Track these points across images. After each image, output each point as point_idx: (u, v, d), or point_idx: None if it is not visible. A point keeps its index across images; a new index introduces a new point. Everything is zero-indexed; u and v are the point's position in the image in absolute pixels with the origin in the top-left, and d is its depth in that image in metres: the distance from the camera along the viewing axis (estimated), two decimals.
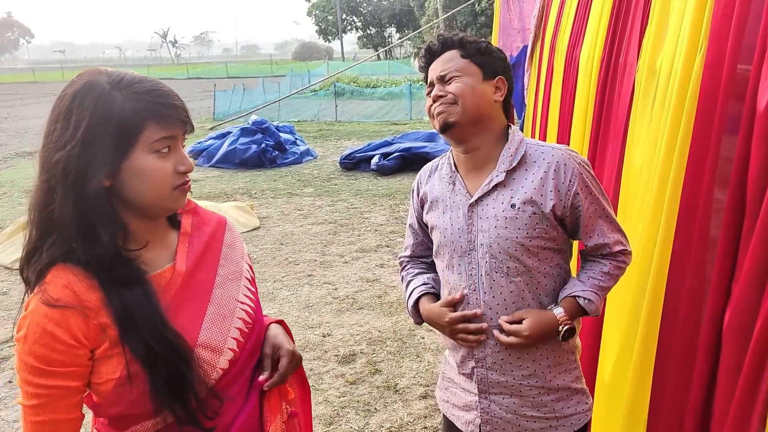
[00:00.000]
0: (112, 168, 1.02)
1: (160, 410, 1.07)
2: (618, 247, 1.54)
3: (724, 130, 1.36)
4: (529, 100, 5.81)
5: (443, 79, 1.52)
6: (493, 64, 1.53)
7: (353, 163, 9.00)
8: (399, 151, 8.62)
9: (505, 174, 1.48)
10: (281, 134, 10.17)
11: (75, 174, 1.00)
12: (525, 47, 8.84)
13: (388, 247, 5.60)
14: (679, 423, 1.47)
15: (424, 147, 8.57)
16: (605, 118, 2.42)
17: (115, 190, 1.05)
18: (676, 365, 1.49)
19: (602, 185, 1.59)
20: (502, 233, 1.48)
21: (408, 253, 1.77)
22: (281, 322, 1.36)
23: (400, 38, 48.34)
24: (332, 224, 6.42)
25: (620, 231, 1.56)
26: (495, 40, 9.37)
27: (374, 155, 8.78)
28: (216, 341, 1.14)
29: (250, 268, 1.30)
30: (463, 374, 1.60)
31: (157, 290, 1.09)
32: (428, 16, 40.48)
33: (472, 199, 1.51)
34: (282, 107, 16.86)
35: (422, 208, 1.65)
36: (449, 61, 1.53)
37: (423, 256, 1.75)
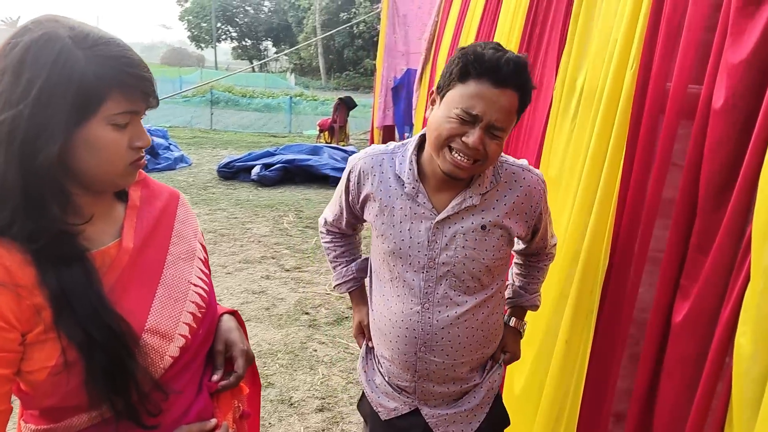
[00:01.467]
0: (66, 136, 0.88)
1: (97, 403, 0.93)
2: (552, 242, 1.62)
3: (656, 139, 1.45)
4: (417, 120, 5.95)
5: (491, 129, 1.30)
6: None
7: (232, 173, 8.70)
8: (282, 163, 8.45)
9: (479, 197, 1.43)
10: (154, 138, 9.59)
11: (23, 139, 0.86)
12: (409, 70, 9.13)
13: (273, 258, 5.44)
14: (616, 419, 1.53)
15: (308, 160, 8.48)
16: (526, 131, 2.50)
17: (61, 159, 0.90)
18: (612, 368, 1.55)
19: None
20: (470, 254, 1.43)
21: (331, 220, 1.70)
22: (235, 313, 1.24)
23: (276, 53, 47.94)
24: (212, 234, 6.13)
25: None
26: (380, 62, 9.57)
27: (255, 165, 8.55)
28: (166, 326, 1.02)
29: (203, 248, 1.18)
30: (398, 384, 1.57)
31: (100, 269, 0.95)
32: (306, 33, 40.55)
33: (440, 217, 1.43)
34: (152, 111, 15.93)
35: (359, 200, 1.55)
36: (510, 111, 1.30)
37: (346, 231, 1.72)
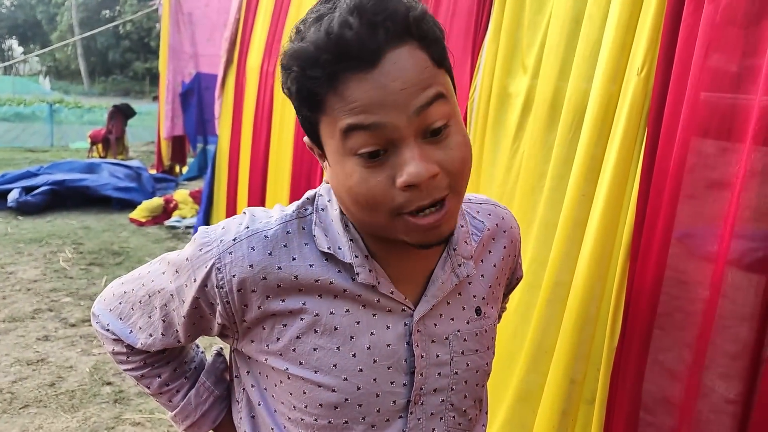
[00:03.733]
0: None
1: None
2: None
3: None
4: (222, 132, 5.19)
5: (423, 127, 0.71)
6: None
7: None
8: (48, 185, 6.98)
9: (471, 261, 0.89)
10: None
11: None
12: (199, 74, 8.23)
13: (51, 311, 4.28)
14: None
15: (83, 180, 7.12)
16: None
17: None
18: None
19: None
20: (473, 363, 0.89)
21: (147, 344, 0.94)
22: None
23: (24, 53, 42.15)
24: None
25: None
26: (163, 64, 8.52)
27: (12, 189, 6.97)
28: None
29: None
30: None
31: None
32: (61, 31, 36.08)
33: (421, 311, 0.85)
34: None
35: (239, 325, 0.85)
36: (426, 79, 0.70)
37: (175, 347, 0.98)
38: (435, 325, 0.86)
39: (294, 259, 0.82)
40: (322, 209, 0.85)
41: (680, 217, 1.14)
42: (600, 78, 1.31)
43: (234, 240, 0.82)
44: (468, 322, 0.89)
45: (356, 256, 0.82)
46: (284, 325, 0.83)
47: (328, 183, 0.82)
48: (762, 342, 1.08)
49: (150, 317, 0.93)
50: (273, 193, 3.77)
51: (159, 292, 0.90)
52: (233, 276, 0.81)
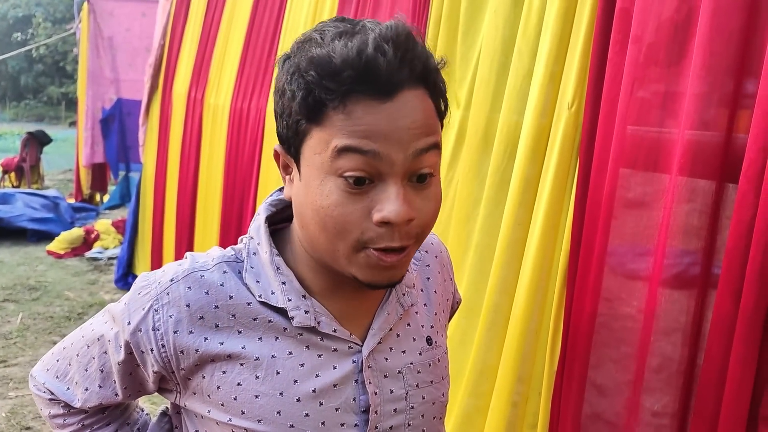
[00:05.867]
0: None
1: None
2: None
3: None
4: (147, 160, 5.04)
5: (414, 171, 0.71)
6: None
7: None
8: None
9: (413, 290, 0.89)
10: None
11: None
12: (120, 100, 7.99)
13: None
14: None
15: None
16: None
17: None
18: None
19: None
20: (429, 395, 0.88)
21: (88, 404, 0.90)
22: None
23: None
24: None
25: None
26: (82, 89, 8.24)
27: None
28: None
29: None
30: None
31: None
32: None
33: (370, 345, 0.83)
34: None
35: (178, 374, 0.82)
36: (430, 125, 0.72)
37: (103, 410, 0.95)
38: (386, 359, 0.84)
39: (231, 297, 0.80)
40: (254, 253, 0.83)
41: (609, 239, 1.20)
42: (531, 111, 1.37)
43: (171, 280, 0.80)
44: (420, 353, 0.88)
45: (289, 299, 0.79)
46: (224, 372, 0.80)
47: (287, 198, 0.80)
48: (687, 356, 1.14)
49: (86, 369, 0.89)
50: (203, 221, 3.68)
51: (98, 339, 0.87)
52: (170, 316, 0.79)
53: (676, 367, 1.14)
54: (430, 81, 0.73)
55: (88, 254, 6.21)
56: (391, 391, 0.84)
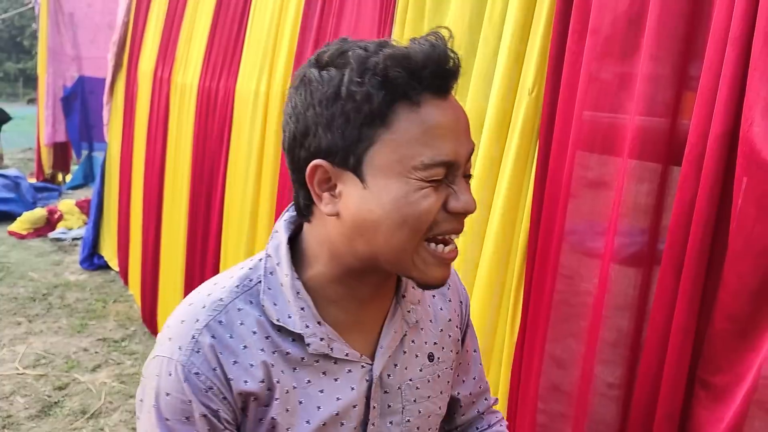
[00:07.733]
0: None
1: None
2: (492, 398, 1.12)
3: None
4: (111, 139, 4.98)
5: (465, 173, 0.77)
6: None
7: None
8: None
9: (417, 305, 0.91)
10: None
11: None
12: (82, 77, 7.81)
13: None
14: None
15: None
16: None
17: None
18: None
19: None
20: (425, 409, 0.91)
21: None
22: None
23: None
24: None
25: None
26: (42, 67, 8.02)
27: None
28: None
29: None
30: None
31: None
32: None
33: (378, 368, 0.85)
34: None
35: (235, 418, 0.80)
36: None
37: None
38: (389, 375, 0.87)
39: (254, 333, 0.79)
40: (271, 273, 0.81)
41: (567, 218, 1.27)
42: (494, 96, 1.43)
43: (192, 338, 0.77)
44: (421, 369, 0.90)
45: (307, 326, 0.79)
46: (266, 406, 0.80)
47: (334, 215, 0.76)
48: (640, 330, 1.22)
49: None
50: (170, 201, 3.66)
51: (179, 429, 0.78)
52: (214, 369, 0.77)
53: (628, 341, 1.23)
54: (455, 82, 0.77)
55: (52, 235, 6.12)
56: (389, 406, 0.87)
